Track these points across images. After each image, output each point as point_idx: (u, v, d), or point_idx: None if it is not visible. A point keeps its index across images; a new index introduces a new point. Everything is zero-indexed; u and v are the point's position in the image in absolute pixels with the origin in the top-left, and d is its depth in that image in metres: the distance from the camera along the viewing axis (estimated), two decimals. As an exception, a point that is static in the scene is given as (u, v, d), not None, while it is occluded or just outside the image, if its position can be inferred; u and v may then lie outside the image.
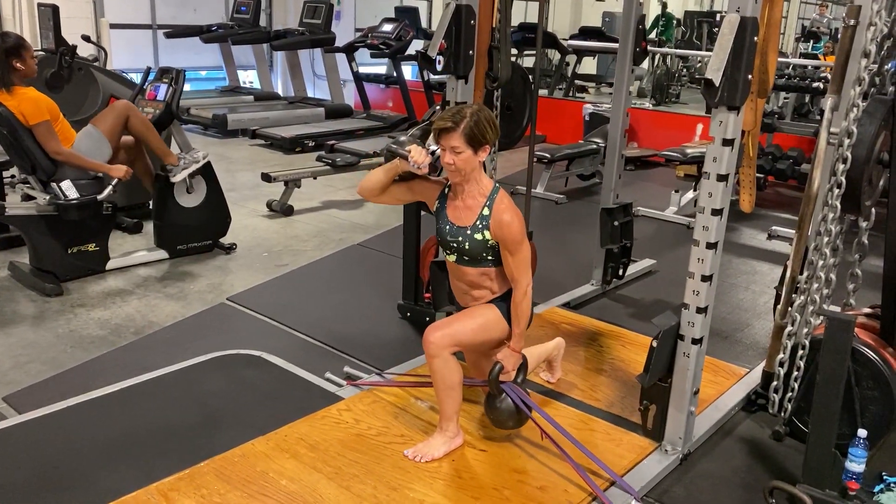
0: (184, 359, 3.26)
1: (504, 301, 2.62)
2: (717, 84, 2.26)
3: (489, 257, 2.57)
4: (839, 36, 2.88)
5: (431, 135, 2.56)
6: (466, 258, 2.60)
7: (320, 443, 2.65)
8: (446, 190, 2.65)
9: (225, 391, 3.05)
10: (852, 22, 2.77)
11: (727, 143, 2.36)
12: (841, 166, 2.65)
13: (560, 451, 2.59)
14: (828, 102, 2.85)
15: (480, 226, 2.54)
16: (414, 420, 2.82)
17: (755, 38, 2.29)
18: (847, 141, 2.64)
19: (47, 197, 4.07)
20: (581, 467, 2.51)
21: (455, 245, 2.59)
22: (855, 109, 2.66)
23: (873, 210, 2.85)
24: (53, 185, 4.06)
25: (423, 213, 3.76)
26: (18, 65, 3.94)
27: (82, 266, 4.25)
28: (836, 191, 2.68)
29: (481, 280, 2.62)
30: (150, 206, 4.84)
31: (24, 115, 3.94)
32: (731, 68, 2.28)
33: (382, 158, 2.77)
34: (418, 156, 2.53)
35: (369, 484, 2.44)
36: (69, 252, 4.18)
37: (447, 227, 2.61)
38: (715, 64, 2.26)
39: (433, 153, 2.56)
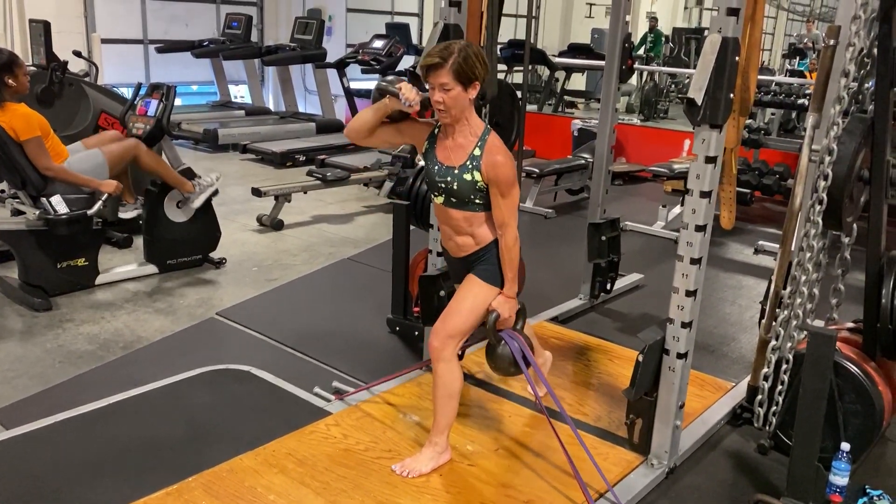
0: (172, 374, 3.26)
1: (485, 262, 2.57)
2: (700, 103, 2.31)
3: (477, 200, 2.51)
4: (820, 55, 2.93)
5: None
6: (454, 200, 2.54)
7: (308, 458, 2.66)
8: (436, 131, 2.60)
9: (213, 406, 3.05)
10: (832, 42, 2.82)
11: (710, 160, 2.40)
12: (822, 183, 2.70)
13: (554, 434, 2.59)
14: (809, 120, 2.90)
15: (470, 166, 2.47)
16: (402, 435, 2.83)
17: (737, 58, 2.33)
18: (828, 158, 2.69)
19: (37, 212, 4.08)
20: (574, 468, 2.52)
21: (443, 186, 2.53)
22: (835, 127, 2.71)
23: (855, 226, 2.90)
24: (43, 199, 4.07)
25: (412, 227, 3.78)
26: (10, 81, 3.95)
27: (71, 281, 4.25)
28: (818, 207, 2.73)
29: (465, 225, 2.56)
30: (140, 221, 4.84)
31: (15, 131, 3.95)
32: (714, 87, 2.31)
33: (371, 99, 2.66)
34: (409, 92, 2.47)
35: (357, 499, 2.45)
36: (58, 267, 4.18)
37: (435, 167, 2.56)
38: (697, 83, 2.31)
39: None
